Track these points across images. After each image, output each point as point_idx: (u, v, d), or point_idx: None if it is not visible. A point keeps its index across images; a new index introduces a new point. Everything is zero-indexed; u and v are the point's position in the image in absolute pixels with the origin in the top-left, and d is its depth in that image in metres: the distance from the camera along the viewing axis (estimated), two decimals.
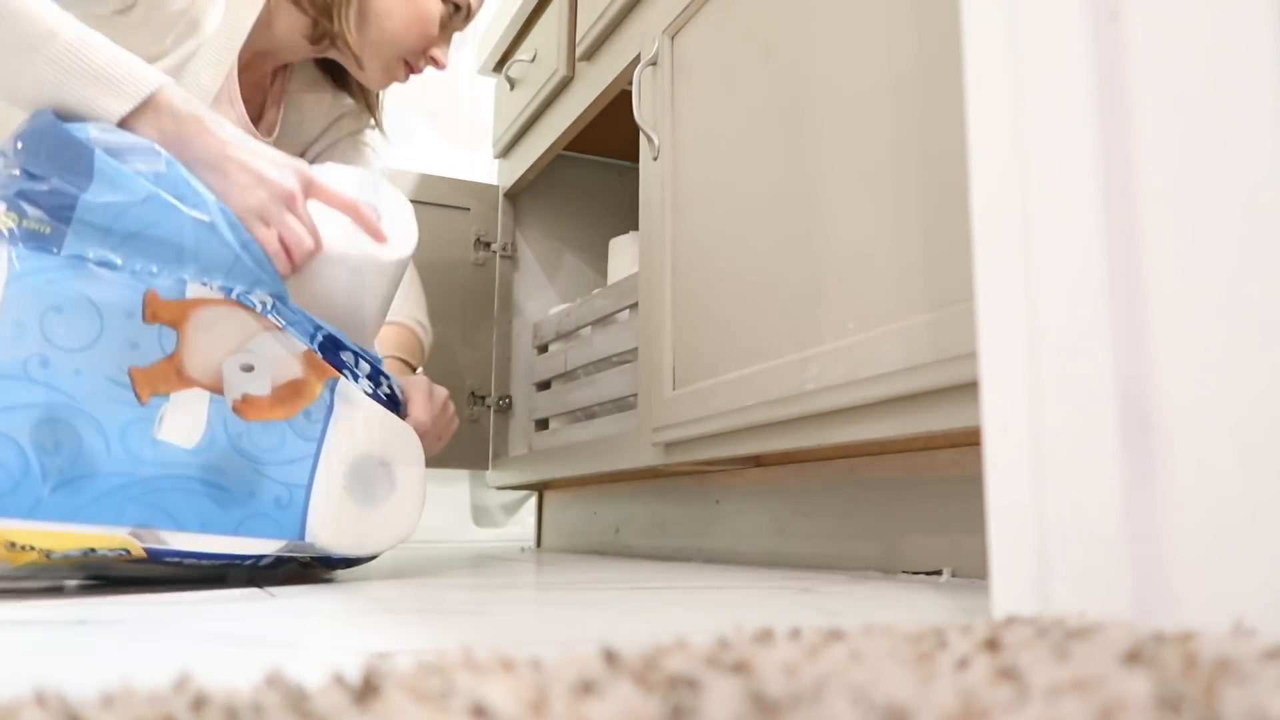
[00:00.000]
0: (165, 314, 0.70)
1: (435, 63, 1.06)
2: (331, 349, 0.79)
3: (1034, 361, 0.43)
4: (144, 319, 0.69)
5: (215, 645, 0.43)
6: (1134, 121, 0.40)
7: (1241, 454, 0.35)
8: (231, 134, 0.79)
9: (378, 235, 0.86)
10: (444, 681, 0.25)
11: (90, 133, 0.72)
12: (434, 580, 0.84)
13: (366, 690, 0.25)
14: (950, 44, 0.66)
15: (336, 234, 0.84)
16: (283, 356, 0.75)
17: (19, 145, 0.72)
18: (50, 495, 0.64)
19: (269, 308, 0.75)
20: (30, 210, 0.69)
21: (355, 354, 0.82)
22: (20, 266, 0.67)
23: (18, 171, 0.70)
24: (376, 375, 0.84)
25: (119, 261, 0.70)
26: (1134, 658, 0.28)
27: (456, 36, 1.12)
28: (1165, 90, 0.39)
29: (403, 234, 0.89)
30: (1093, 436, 0.40)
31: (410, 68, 1.06)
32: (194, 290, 0.71)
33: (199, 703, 0.24)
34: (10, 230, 0.68)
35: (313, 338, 0.78)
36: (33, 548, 0.64)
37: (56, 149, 0.71)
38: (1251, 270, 0.35)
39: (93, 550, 0.67)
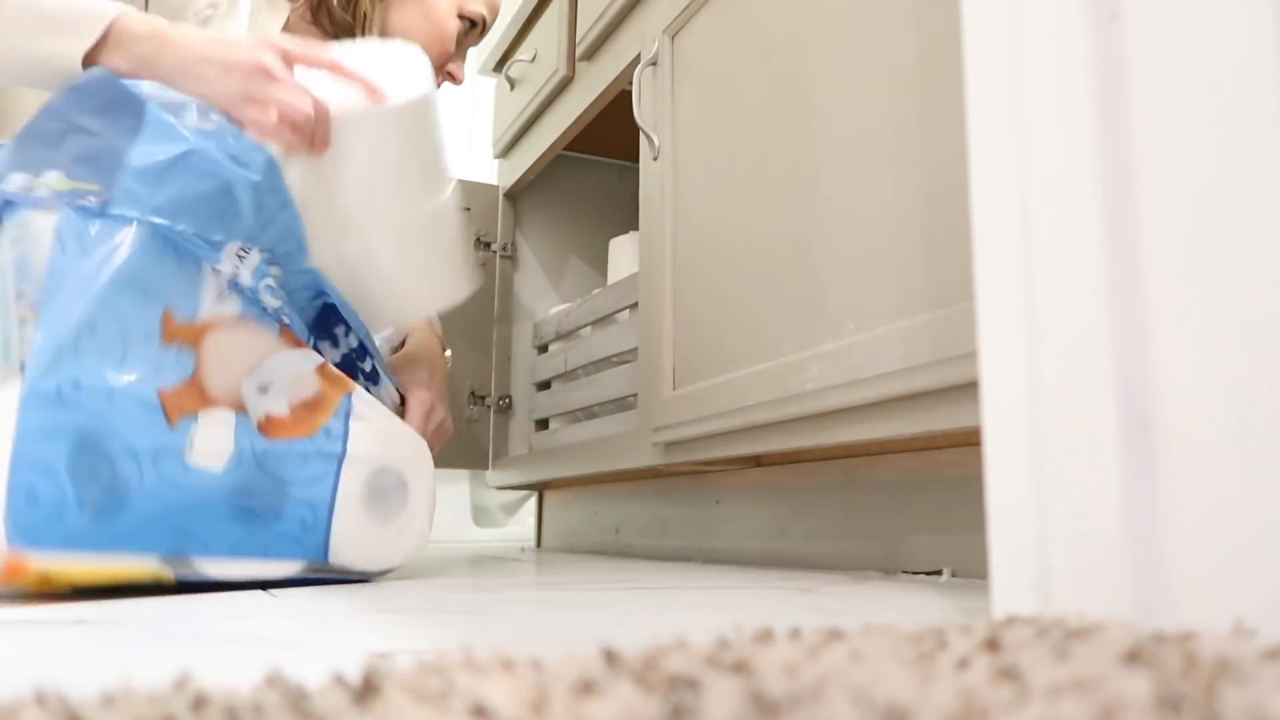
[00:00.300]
0: (181, 335, 0.69)
1: (452, 78, 1.09)
2: (325, 319, 0.79)
3: (1034, 361, 0.43)
4: (162, 341, 0.68)
5: (215, 645, 0.43)
6: (1134, 121, 0.40)
7: (1241, 454, 0.35)
8: (195, 36, 0.78)
9: (373, 91, 0.83)
10: (444, 681, 0.25)
11: (144, 88, 0.73)
12: (434, 580, 0.84)
13: (366, 690, 0.25)
14: (950, 44, 0.66)
15: (339, 98, 0.81)
16: (297, 374, 0.75)
17: (69, 99, 0.71)
18: (87, 529, 0.62)
19: (266, 262, 0.73)
20: (78, 170, 0.68)
21: (348, 328, 0.82)
22: (60, 259, 0.65)
23: (65, 126, 0.70)
24: (362, 352, 0.84)
25: (163, 222, 0.69)
26: (1134, 658, 0.28)
27: None
28: (1165, 90, 0.39)
29: (407, 78, 0.86)
30: (1093, 436, 0.40)
31: None
32: (208, 312, 0.71)
33: (199, 703, 0.24)
34: (58, 194, 0.67)
35: (311, 301, 0.77)
36: (68, 582, 0.62)
37: (109, 102, 0.71)
38: (1251, 270, 0.35)
39: (125, 583, 0.65)
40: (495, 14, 1.11)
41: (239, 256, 0.72)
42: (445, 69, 1.08)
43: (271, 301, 0.74)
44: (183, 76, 0.76)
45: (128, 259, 0.67)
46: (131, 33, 0.77)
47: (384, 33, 1.02)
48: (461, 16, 1.06)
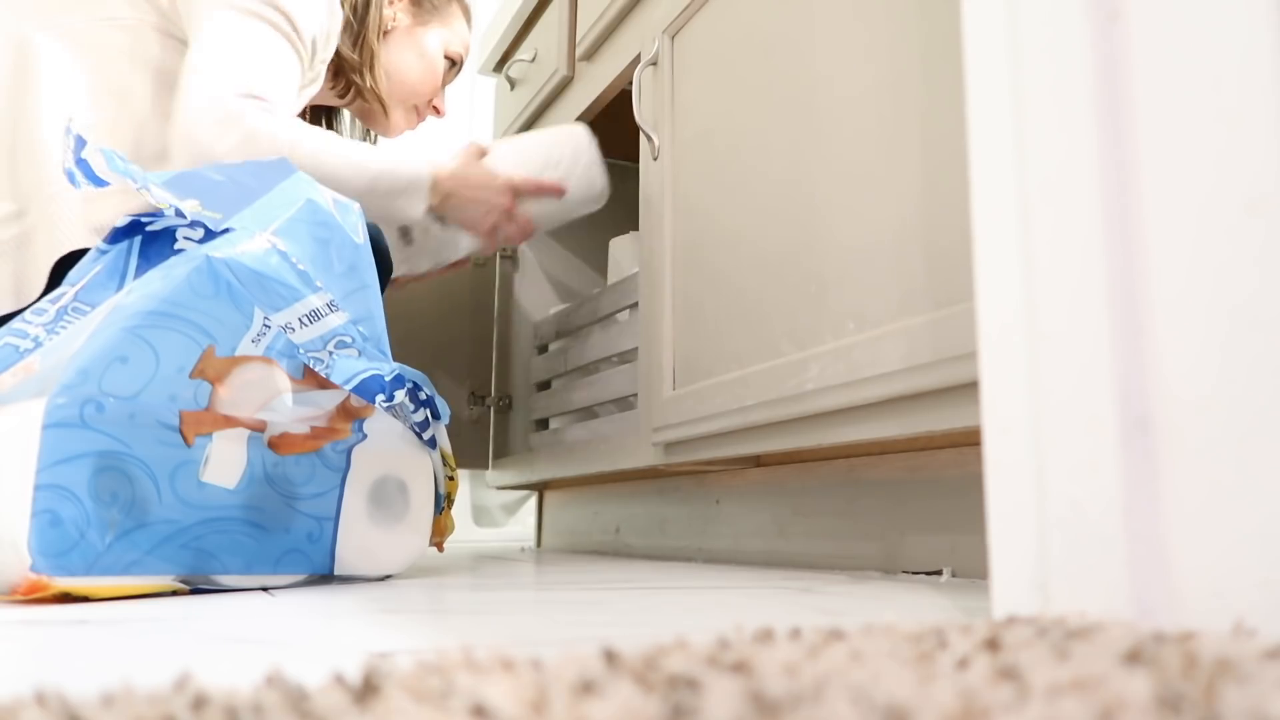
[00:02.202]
0: (211, 371, 0.70)
1: (437, 111, 1.29)
2: (389, 385, 0.78)
3: (1034, 361, 0.43)
4: (190, 374, 0.69)
5: (215, 645, 0.43)
6: (1134, 121, 0.40)
7: (1241, 453, 0.35)
8: (459, 171, 1.10)
9: (558, 191, 1.20)
10: (444, 681, 0.25)
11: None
12: (434, 580, 0.84)
13: (366, 690, 0.25)
14: (951, 44, 0.66)
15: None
16: (305, 414, 0.76)
17: (247, 166, 0.80)
18: (108, 550, 0.64)
19: (345, 331, 0.77)
20: (213, 203, 0.75)
21: (413, 390, 0.81)
22: (124, 299, 0.69)
23: (227, 181, 0.77)
24: (422, 405, 0.83)
25: (269, 260, 0.73)
26: (1134, 658, 0.28)
27: None
28: (1165, 90, 0.39)
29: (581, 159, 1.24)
30: (1093, 436, 0.40)
31: (420, 115, 1.28)
32: (240, 351, 0.72)
33: (199, 703, 0.24)
34: (188, 214, 0.73)
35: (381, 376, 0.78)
36: (86, 599, 0.64)
37: (270, 171, 0.79)
38: (1252, 270, 0.35)
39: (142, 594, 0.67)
40: (468, 53, 1.29)
41: (321, 311, 0.74)
42: (431, 103, 1.26)
43: (314, 359, 0.75)
44: (459, 208, 1.10)
45: (182, 292, 0.69)
46: (437, 180, 1.06)
47: (385, 70, 1.18)
48: (446, 56, 1.24)
